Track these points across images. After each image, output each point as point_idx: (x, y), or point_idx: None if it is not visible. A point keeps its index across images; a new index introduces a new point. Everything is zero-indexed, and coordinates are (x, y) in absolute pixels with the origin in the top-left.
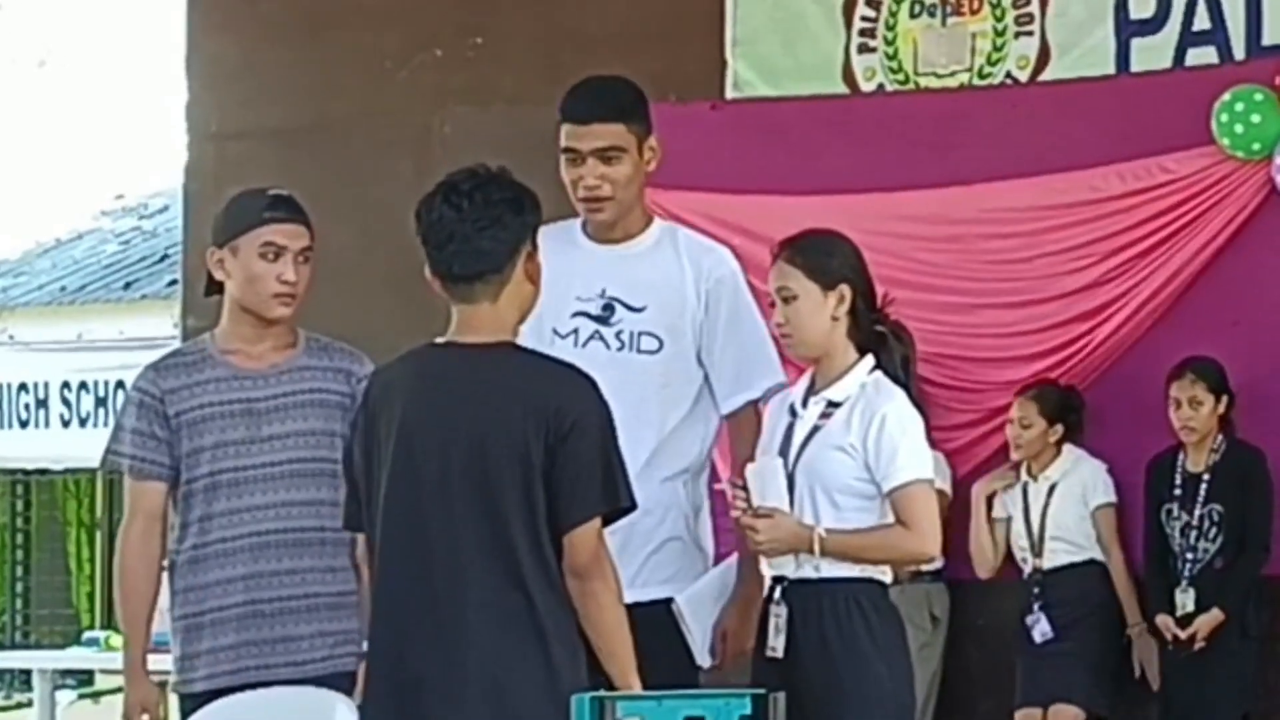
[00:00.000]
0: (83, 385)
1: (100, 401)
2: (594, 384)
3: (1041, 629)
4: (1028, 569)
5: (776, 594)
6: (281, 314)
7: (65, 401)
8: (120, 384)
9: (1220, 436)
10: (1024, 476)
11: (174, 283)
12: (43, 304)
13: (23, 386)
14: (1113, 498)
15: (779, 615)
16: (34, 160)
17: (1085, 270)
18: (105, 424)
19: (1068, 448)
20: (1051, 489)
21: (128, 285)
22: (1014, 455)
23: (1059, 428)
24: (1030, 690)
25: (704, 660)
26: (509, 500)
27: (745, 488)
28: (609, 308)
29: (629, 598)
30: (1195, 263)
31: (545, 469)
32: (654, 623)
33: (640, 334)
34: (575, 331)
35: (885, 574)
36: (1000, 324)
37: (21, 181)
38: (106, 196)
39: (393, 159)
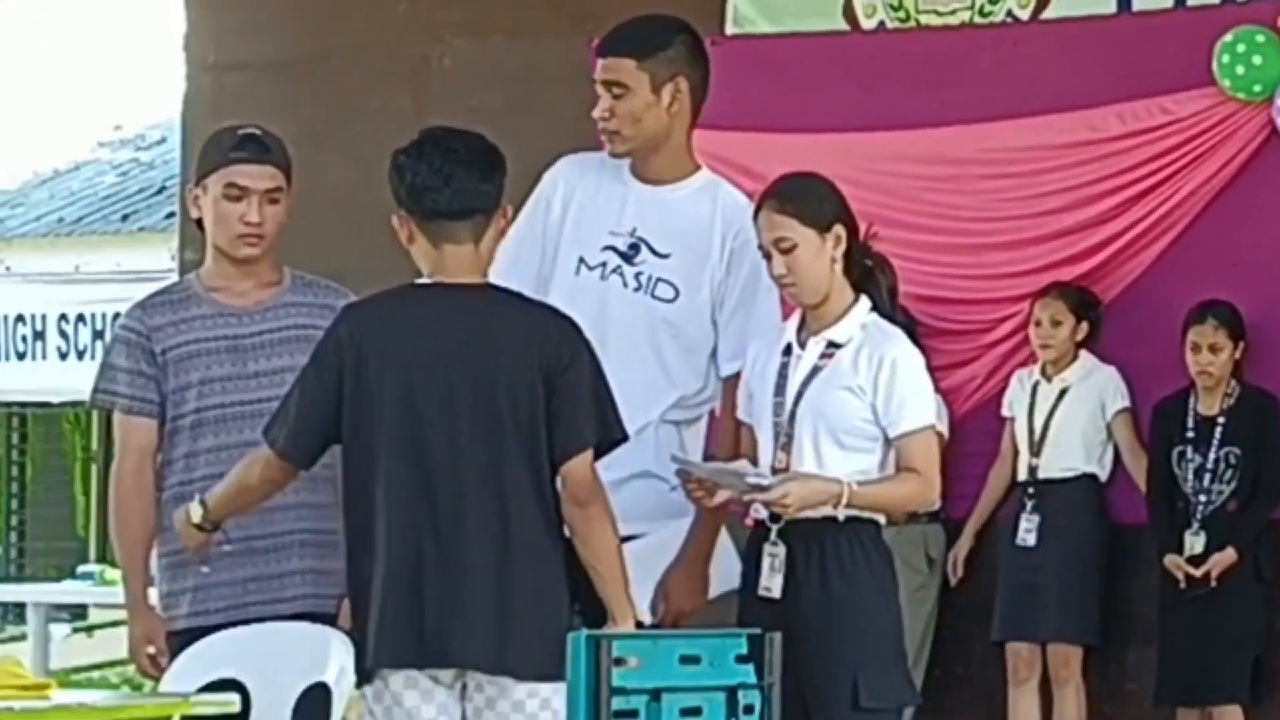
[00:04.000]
0: (80, 317)
1: (98, 334)
2: (575, 322)
3: (1025, 529)
4: (1024, 469)
5: (772, 534)
6: (247, 254)
7: (62, 334)
8: (118, 316)
9: (1233, 380)
10: (1036, 375)
11: (172, 215)
12: (40, 235)
13: (20, 318)
14: (1129, 403)
15: (775, 555)
16: (32, 91)
17: (1083, 210)
18: None
19: (1084, 353)
20: (1063, 392)
21: (125, 217)
22: (1043, 356)
23: (1085, 325)
24: (1014, 621)
25: (645, 616)
26: (512, 432)
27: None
28: (635, 247)
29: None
30: (1195, 204)
31: (546, 401)
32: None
33: (658, 280)
34: (603, 264)
35: (879, 514)
36: (997, 264)
37: (19, 112)
38: (105, 127)
39: (391, 92)
